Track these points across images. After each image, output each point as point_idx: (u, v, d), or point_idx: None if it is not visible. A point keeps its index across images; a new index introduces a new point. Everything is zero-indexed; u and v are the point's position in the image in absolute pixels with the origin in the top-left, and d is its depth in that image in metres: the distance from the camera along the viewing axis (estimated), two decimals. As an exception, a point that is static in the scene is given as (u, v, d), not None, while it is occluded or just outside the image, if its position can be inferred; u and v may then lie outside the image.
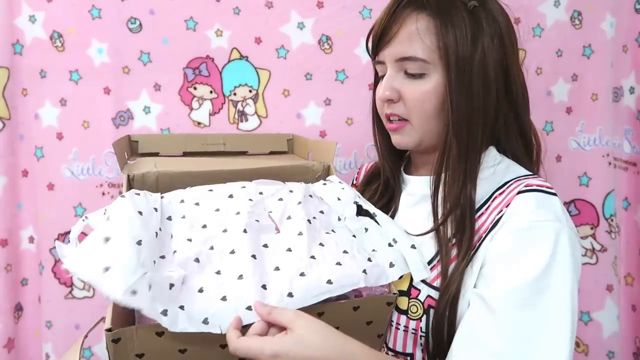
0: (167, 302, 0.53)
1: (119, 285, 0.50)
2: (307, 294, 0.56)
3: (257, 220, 0.65)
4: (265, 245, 0.63)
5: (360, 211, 0.72)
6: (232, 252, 0.61)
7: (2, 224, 1.04)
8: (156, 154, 0.89)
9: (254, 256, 0.60)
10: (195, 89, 1.09)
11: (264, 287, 0.57)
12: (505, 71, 0.67)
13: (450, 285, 0.61)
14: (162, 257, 0.59)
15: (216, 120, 1.10)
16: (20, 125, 1.05)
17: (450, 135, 0.65)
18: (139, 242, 0.56)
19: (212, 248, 0.62)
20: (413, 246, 0.65)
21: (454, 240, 0.64)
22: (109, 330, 0.51)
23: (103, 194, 1.08)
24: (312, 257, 0.61)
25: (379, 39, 0.69)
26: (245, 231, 0.63)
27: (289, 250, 0.62)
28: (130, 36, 1.05)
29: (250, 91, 1.10)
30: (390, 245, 0.66)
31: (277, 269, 0.60)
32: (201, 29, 1.07)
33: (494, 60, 0.65)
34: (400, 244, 0.66)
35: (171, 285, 0.54)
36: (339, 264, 0.61)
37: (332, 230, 0.67)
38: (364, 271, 0.60)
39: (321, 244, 0.64)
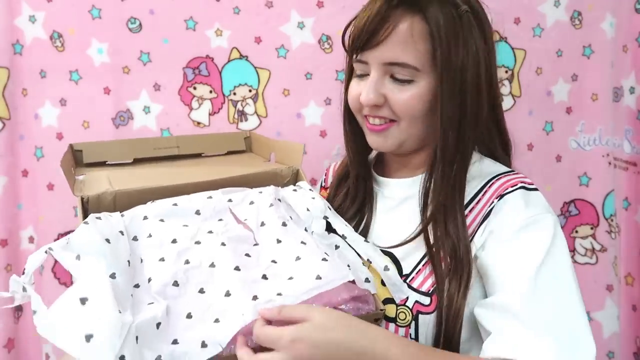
0: (158, 344, 0.50)
1: (106, 355, 0.46)
2: (297, 291, 0.56)
3: (235, 234, 0.63)
4: (248, 255, 0.61)
5: (330, 227, 0.69)
6: (212, 265, 0.59)
7: (2, 224, 1.04)
8: (103, 163, 0.83)
9: (237, 268, 0.58)
10: (195, 88, 1.09)
11: (254, 298, 0.55)
12: (491, 76, 0.67)
13: (454, 303, 0.60)
14: (137, 285, 0.56)
15: (216, 120, 1.10)
16: (20, 125, 1.05)
17: (440, 141, 0.64)
18: (113, 276, 0.53)
19: (187, 262, 0.59)
20: (387, 267, 0.64)
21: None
22: None
23: (103, 193, 1.08)
24: (298, 258, 0.60)
25: (367, 39, 0.64)
26: (223, 244, 0.61)
27: (274, 262, 0.61)
28: (130, 36, 1.05)
29: (250, 91, 1.10)
30: (363, 264, 0.64)
31: (264, 277, 0.58)
32: (201, 29, 1.07)
33: (484, 65, 0.65)
34: (374, 265, 0.64)
35: (158, 325, 0.52)
36: (324, 259, 0.60)
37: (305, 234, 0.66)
38: (348, 266, 0.60)
39: (303, 242, 0.63)
